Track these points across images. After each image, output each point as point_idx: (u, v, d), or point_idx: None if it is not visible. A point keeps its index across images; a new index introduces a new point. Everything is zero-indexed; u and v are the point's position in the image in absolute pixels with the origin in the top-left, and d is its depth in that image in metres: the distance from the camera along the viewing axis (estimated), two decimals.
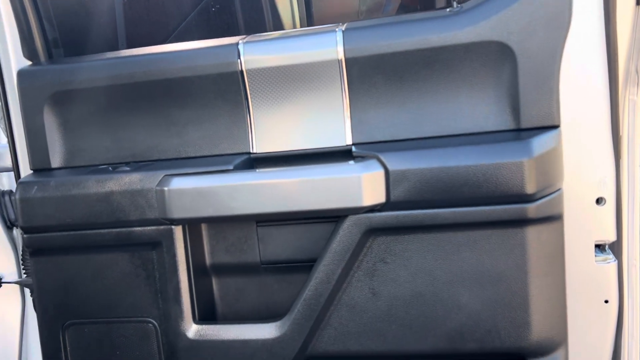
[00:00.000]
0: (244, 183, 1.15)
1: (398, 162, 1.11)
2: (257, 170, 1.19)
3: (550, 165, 1.10)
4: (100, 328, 1.29)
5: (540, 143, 1.08)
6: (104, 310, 1.28)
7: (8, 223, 1.55)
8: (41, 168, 1.33)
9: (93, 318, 1.29)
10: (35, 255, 1.29)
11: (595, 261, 1.19)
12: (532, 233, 1.12)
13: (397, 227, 1.14)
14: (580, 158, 1.16)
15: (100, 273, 1.26)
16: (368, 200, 1.11)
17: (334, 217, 1.17)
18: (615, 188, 1.16)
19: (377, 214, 1.13)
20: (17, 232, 1.58)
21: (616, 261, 1.19)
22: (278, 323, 1.20)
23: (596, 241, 1.19)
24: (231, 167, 1.18)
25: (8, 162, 1.52)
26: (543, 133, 1.11)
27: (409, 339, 1.19)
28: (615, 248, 1.21)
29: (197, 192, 1.16)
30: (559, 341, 1.17)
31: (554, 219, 1.13)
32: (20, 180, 1.30)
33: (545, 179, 1.10)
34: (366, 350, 1.20)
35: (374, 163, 1.12)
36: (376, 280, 1.18)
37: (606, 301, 1.20)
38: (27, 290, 1.56)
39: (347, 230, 1.14)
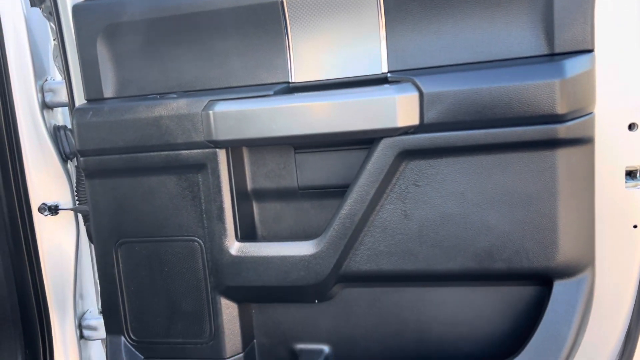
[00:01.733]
0: (283, 106, 1.21)
1: (432, 85, 1.15)
2: (296, 95, 1.25)
3: (582, 88, 1.12)
4: (150, 246, 1.39)
5: (573, 65, 1.10)
6: (154, 230, 1.37)
7: (63, 156, 1.66)
8: (95, 98, 1.42)
9: (143, 237, 1.39)
10: (91, 177, 1.39)
11: (626, 187, 1.21)
12: (562, 155, 1.15)
13: (429, 149, 1.18)
14: (613, 83, 1.17)
15: (150, 194, 1.36)
16: (402, 122, 1.16)
17: (368, 142, 1.22)
18: None
19: (411, 136, 1.18)
20: (71, 165, 1.69)
21: None
22: (315, 241, 1.28)
23: (627, 167, 1.21)
24: (271, 93, 1.24)
25: (63, 98, 1.63)
26: (576, 56, 1.13)
27: (438, 258, 1.24)
28: None
29: (239, 114, 1.23)
30: (585, 264, 1.21)
31: (585, 141, 1.15)
32: (76, 107, 1.39)
33: (576, 101, 1.12)
34: (397, 269, 1.27)
35: (408, 86, 1.17)
36: (408, 203, 1.24)
37: (635, 226, 1.22)
38: (80, 218, 1.68)
39: (381, 152, 1.20)
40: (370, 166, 1.21)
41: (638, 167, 1.21)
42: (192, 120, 1.27)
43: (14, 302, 1.67)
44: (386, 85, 1.19)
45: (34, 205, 1.65)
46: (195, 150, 1.29)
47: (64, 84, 1.56)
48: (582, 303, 1.21)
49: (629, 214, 1.23)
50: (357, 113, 1.18)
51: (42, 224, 1.66)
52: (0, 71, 1.59)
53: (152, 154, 1.32)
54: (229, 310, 1.38)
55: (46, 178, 1.65)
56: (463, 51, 1.20)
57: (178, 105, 1.28)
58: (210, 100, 1.26)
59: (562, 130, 1.12)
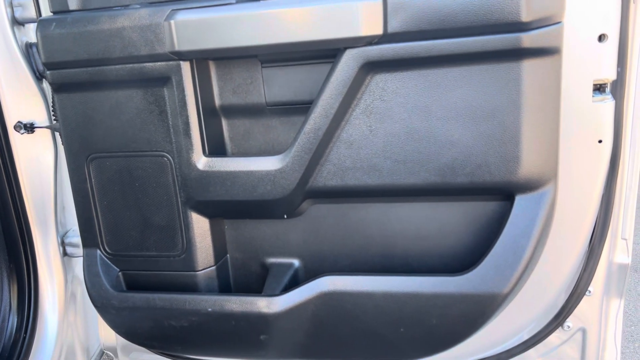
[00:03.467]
0: (245, 13, 1.18)
1: None
2: (259, 2, 1.21)
3: None
4: (120, 161, 1.40)
5: None
6: (123, 145, 1.38)
7: (37, 74, 1.64)
8: (60, 10, 1.39)
9: (113, 152, 1.39)
10: (58, 91, 1.39)
11: (593, 101, 1.20)
12: (527, 66, 1.12)
13: (393, 61, 1.16)
14: None
15: (117, 109, 1.35)
16: (365, 31, 1.14)
17: (333, 56, 1.20)
18: (619, 24, 1.14)
19: (375, 47, 1.16)
20: (46, 83, 1.68)
21: (613, 101, 1.19)
22: (280, 156, 1.28)
23: (595, 80, 1.19)
24: (234, 1, 1.21)
25: (33, 13, 1.59)
26: None
27: (402, 173, 1.25)
28: (615, 88, 1.20)
29: (202, 23, 1.21)
30: (548, 178, 1.21)
31: (551, 52, 1.13)
32: (40, 18, 1.36)
33: (542, 9, 1.08)
34: (362, 184, 1.28)
35: None
36: (373, 118, 1.23)
37: (600, 141, 1.22)
38: (57, 135, 1.68)
39: (345, 64, 1.18)
40: (335, 78, 1.19)
41: (606, 81, 1.19)
42: (155, 30, 1.24)
43: None
44: None
45: (9, 124, 1.65)
46: (159, 63, 1.27)
47: None
48: (543, 217, 1.22)
49: (595, 128, 1.22)
50: (320, 21, 1.15)
51: (19, 143, 1.67)
52: None
53: (116, 66, 1.30)
54: (200, 224, 1.41)
55: (20, 96, 1.64)
56: None
57: (140, 16, 1.25)
58: (172, 10, 1.23)
59: (526, 39, 1.09)
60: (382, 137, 1.24)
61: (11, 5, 1.61)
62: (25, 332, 1.70)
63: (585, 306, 1.41)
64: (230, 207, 1.36)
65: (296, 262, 1.47)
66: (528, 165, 1.19)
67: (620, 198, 1.32)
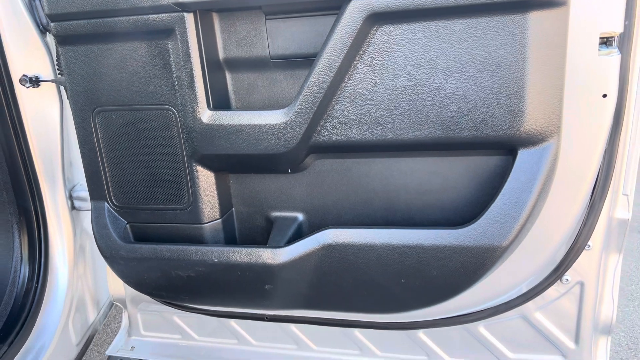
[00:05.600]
0: None
1: None
2: None
3: None
4: (126, 115, 1.41)
5: None
6: (128, 98, 1.38)
7: (41, 27, 1.64)
8: None
9: (119, 105, 1.40)
10: (63, 44, 1.38)
11: (599, 54, 1.19)
12: (533, 19, 1.11)
13: (398, 12, 1.15)
14: None
15: (122, 62, 1.35)
16: None
17: (338, 8, 1.19)
18: None
19: None
20: (50, 37, 1.67)
21: (620, 55, 1.18)
22: (284, 110, 1.29)
23: (602, 33, 1.17)
24: None
25: None
26: None
27: (406, 127, 1.25)
28: (622, 42, 1.19)
29: None
30: (551, 132, 1.22)
31: (558, 4, 1.11)
32: None
33: None
34: (366, 139, 1.28)
35: None
36: (378, 72, 1.23)
37: (604, 95, 1.21)
38: (63, 90, 1.69)
39: (350, 15, 1.17)
40: (339, 30, 1.18)
41: (613, 34, 1.17)
42: None
43: (4, 171, 1.73)
44: None
45: (15, 78, 1.65)
46: (162, 15, 1.26)
47: None
48: (545, 171, 1.23)
49: (600, 82, 1.21)
50: None
51: (25, 96, 1.67)
52: None
53: (120, 18, 1.30)
54: (205, 178, 1.43)
55: (25, 50, 1.64)
56: None
57: None
58: None
59: None
60: (386, 91, 1.24)
61: None
62: (37, 282, 1.75)
63: (584, 260, 1.44)
64: (235, 160, 1.37)
65: (300, 216, 1.49)
66: (531, 119, 1.19)
67: (623, 153, 1.33)
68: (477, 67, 1.17)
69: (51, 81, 1.64)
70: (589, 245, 1.41)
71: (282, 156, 1.33)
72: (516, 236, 1.24)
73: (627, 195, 1.40)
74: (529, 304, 1.51)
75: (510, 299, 1.50)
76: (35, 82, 1.65)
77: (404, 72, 1.21)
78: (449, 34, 1.16)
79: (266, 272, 1.37)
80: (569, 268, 1.43)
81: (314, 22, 1.28)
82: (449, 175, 1.34)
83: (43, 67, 1.65)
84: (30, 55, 1.63)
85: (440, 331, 1.64)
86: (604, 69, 1.20)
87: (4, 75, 1.65)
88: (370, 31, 1.19)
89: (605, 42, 1.19)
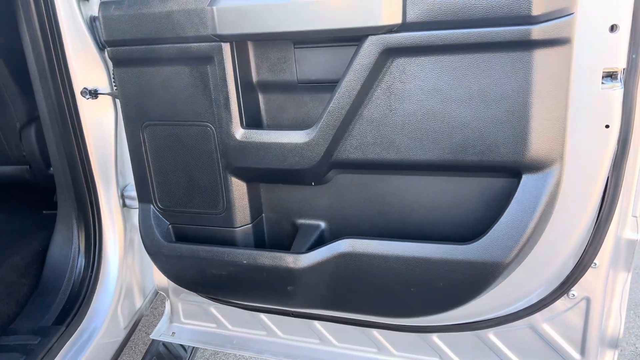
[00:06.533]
0: (279, 2, 1.30)
1: None
2: None
3: None
4: (170, 129, 1.58)
5: None
6: (173, 115, 1.56)
7: (100, 45, 1.84)
8: None
9: (164, 120, 1.58)
10: (118, 66, 1.57)
11: (602, 88, 1.26)
12: (537, 56, 1.20)
13: (411, 48, 1.26)
14: None
15: (168, 83, 1.53)
16: (385, 20, 1.24)
17: (358, 39, 1.31)
18: (631, 15, 1.19)
19: (394, 35, 1.26)
20: (107, 53, 1.87)
21: (623, 89, 1.25)
22: (307, 131, 1.42)
23: (605, 68, 1.24)
24: None
25: None
26: None
27: (418, 150, 1.37)
28: (628, 74, 1.25)
29: (240, 9, 1.34)
30: (553, 159, 1.30)
31: (561, 42, 1.20)
32: (102, 1, 1.54)
33: (552, 3, 1.15)
34: (382, 158, 1.41)
35: None
36: (393, 98, 1.34)
37: (607, 126, 1.28)
38: (117, 101, 1.89)
39: (367, 49, 1.29)
40: (357, 62, 1.31)
41: (616, 69, 1.24)
42: (200, 14, 1.39)
43: (66, 172, 1.96)
44: None
45: (77, 90, 1.87)
46: (203, 44, 1.42)
47: None
48: (547, 195, 1.32)
49: (603, 114, 1.28)
50: (345, 10, 1.26)
51: (85, 107, 1.88)
52: None
53: (166, 45, 1.47)
54: (238, 187, 1.59)
55: (86, 65, 1.84)
56: None
57: (187, 0, 1.40)
58: None
59: (536, 31, 1.16)
60: (400, 116, 1.35)
61: None
62: (92, 271, 1.97)
63: (590, 277, 1.51)
64: (264, 173, 1.52)
65: (322, 224, 1.63)
66: (535, 147, 1.28)
67: (632, 179, 1.39)
68: (483, 97, 1.27)
69: (107, 94, 1.85)
70: (595, 264, 1.49)
71: (306, 171, 1.47)
72: (517, 254, 1.34)
73: (635, 217, 1.46)
74: (537, 315, 1.60)
75: (517, 309, 1.59)
76: (93, 94, 1.85)
77: (417, 100, 1.32)
78: (458, 67, 1.26)
79: (288, 274, 1.52)
80: (575, 284, 1.51)
81: (337, 51, 1.41)
82: (458, 194, 1.44)
83: (101, 81, 1.86)
84: (90, 70, 1.84)
85: (453, 335, 1.74)
86: (606, 102, 1.27)
87: (68, 87, 1.86)
88: (386, 62, 1.31)
89: (610, 75, 1.26)
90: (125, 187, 2.04)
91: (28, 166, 2.27)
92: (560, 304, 1.57)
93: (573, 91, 1.26)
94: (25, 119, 2.12)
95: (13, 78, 2.03)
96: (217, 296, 1.86)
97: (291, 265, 1.51)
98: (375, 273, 1.46)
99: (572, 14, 1.18)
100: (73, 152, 1.93)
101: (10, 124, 2.13)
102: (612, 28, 1.21)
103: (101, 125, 1.92)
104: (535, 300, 1.57)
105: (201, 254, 1.62)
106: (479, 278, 1.38)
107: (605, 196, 1.39)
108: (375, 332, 1.85)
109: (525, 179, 1.32)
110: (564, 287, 1.52)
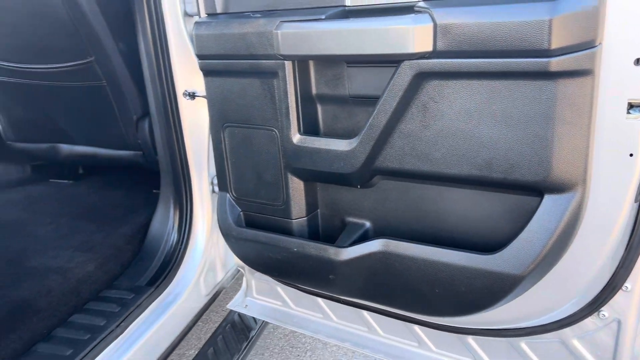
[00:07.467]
0: (331, 29, 1.50)
1: (444, 17, 1.34)
2: (338, 20, 1.52)
3: (580, 24, 1.21)
4: (244, 131, 1.86)
5: (569, 4, 1.20)
6: (246, 119, 1.83)
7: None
8: (211, 13, 1.85)
9: (240, 124, 1.86)
10: (206, 75, 1.87)
11: (626, 117, 1.30)
12: (557, 85, 1.28)
13: (441, 73, 1.40)
14: (622, 16, 1.23)
15: (243, 92, 1.80)
16: (417, 48, 1.39)
17: (396, 62, 1.47)
18: None
19: (426, 60, 1.40)
20: None
21: None
22: (350, 140, 1.61)
23: (630, 99, 1.28)
24: (323, 17, 1.53)
25: (196, 9, 2.10)
26: None
27: (449, 164, 1.50)
28: None
29: (299, 34, 1.56)
30: (575, 183, 1.36)
31: (583, 74, 1.26)
32: (196, 21, 1.84)
33: (574, 35, 1.22)
34: (417, 169, 1.55)
35: (426, 17, 1.37)
36: (427, 116, 1.49)
37: (631, 154, 1.32)
38: None
39: (402, 73, 1.44)
40: (394, 83, 1.47)
41: None
42: (268, 37, 1.64)
43: (168, 159, 2.33)
44: (410, 15, 1.40)
45: (179, 91, 2.22)
46: (270, 61, 1.67)
47: None
48: (567, 216, 1.38)
49: (627, 142, 1.32)
50: (385, 38, 1.43)
51: (185, 106, 2.24)
52: None
53: (242, 61, 1.73)
54: (295, 184, 1.82)
55: (187, 71, 2.19)
56: None
57: (259, 24, 1.65)
58: (281, 21, 1.60)
59: (554, 63, 1.24)
60: (433, 132, 1.49)
61: (184, 2, 2.13)
62: (181, 245, 2.33)
63: (622, 300, 1.53)
64: (316, 174, 1.74)
65: (367, 223, 1.82)
66: (556, 170, 1.35)
67: None
68: (508, 120, 1.37)
69: (203, 97, 2.18)
70: (627, 287, 1.51)
71: (350, 175, 1.66)
72: (534, 269, 1.42)
73: None
74: (567, 331, 1.65)
75: (546, 322, 1.65)
76: (192, 96, 2.20)
77: (448, 118, 1.45)
78: (484, 91, 1.37)
79: (330, 265, 1.73)
80: (604, 304, 1.54)
81: (382, 71, 1.58)
82: (486, 206, 1.55)
83: (198, 85, 2.19)
84: (190, 76, 2.18)
85: (488, 340, 1.84)
86: (631, 131, 1.31)
87: (172, 90, 2.22)
88: (420, 83, 1.45)
89: (633, 106, 1.30)
90: (214, 177, 2.38)
91: (141, 152, 2.70)
92: (591, 322, 1.61)
93: (597, 119, 1.32)
94: (140, 112, 2.54)
95: (132, 78, 2.44)
96: (274, 277, 2.12)
97: (332, 257, 1.72)
98: (404, 272, 1.62)
99: (595, 47, 1.24)
100: (173, 144, 2.30)
101: (129, 116, 2.57)
102: (638, 61, 1.25)
103: (197, 122, 2.27)
104: (563, 316, 1.62)
105: (261, 239, 1.88)
106: (497, 287, 1.48)
107: (637, 222, 1.41)
108: (416, 328, 1.99)
109: (547, 199, 1.40)
110: (593, 306, 1.56)
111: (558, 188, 1.38)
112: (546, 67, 1.25)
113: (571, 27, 1.22)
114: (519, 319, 1.71)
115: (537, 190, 1.41)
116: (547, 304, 1.63)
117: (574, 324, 1.62)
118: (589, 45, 1.24)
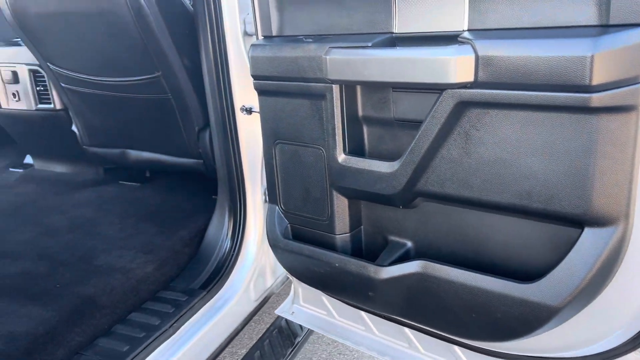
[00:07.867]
0: (377, 57, 1.55)
1: (486, 49, 1.36)
2: (383, 48, 1.57)
3: (624, 59, 1.20)
4: (294, 148, 1.95)
5: (612, 40, 1.19)
6: (296, 137, 1.92)
7: None
8: (267, 35, 1.96)
9: (290, 141, 1.95)
10: (260, 94, 1.98)
11: None
12: (599, 120, 1.27)
13: (482, 102, 1.42)
14: None
15: (293, 112, 1.89)
16: (459, 78, 1.41)
17: (439, 90, 1.50)
18: None
19: (467, 90, 1.43)
20: None
21: None
22: (392, 163, 1.66)
23: None
24: (369, 44, 1.59)
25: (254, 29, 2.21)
26: (625, 30, 1.20)
27: (489, 191, 1.51)
28: None
29: (346, 61, 1.63)
30: (616, 217, 1.35)
31: (627, 109, 1.25)
32: (252, 43, 1.95)
33: (615, 72, 1.21)
34: (458, 194, 1.58)
35: (468, 48, 1.39)
36: (469, 142, 1.51)
37: None
38: None
39: (444, 101, 1.48)
40: (436, 110, 1.50)
41: None
42: (318, 61, 1.71)
43: (224, 169, 2.46)
44: (454, 45, 1.43)
45: (237, 106, 2.35)
46: (319, 84, 1.74)
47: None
48: (608, 250, 1.37)
49: None
50: (429, 67, 1.47)
51: (241, 120, 2.36)
52: (216, 7, 2.23)
53: (293, 83, 1.82)
54: (340, 201, 1.89)
55: (245, 88, 2.31)
56: (532, 16, 1.35)
57: (309, 49, 1.73)
58: (330, 47, 1.68)
59: (595, 99, 1.24)
60: (474, 159, 1.51)
61: (244, 23, 2.25)
62: (234, 251, 2.46)
63: None
64: (359, 193, 1.80)
65: (409, 243, 1.85)
66: (597, 204, 1.34)
67: None
68: (548, 151, 1.37)
69: (258, 112, 2.28)
70: None
71: (391, 197, 1.71)
72: (571, 301, 1.41)
73: None
74: None
75: (586, 354, 1.63)
76: (248, 111, 2.31)
77: (489, 147, 1.47)
78: (525, 122, 1.38)
79: (369, 282, 1.78)
80: None
81: (427, 96, 1.61)
82: (528, 235, 1.55)
83: (255, 101, 2.30)
84: (248, 92, 2.30)
85: None
86: None
87: (230, 104, 2.35)
88: (462, 111, 1.48)
89: None
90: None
91: (202, 160, 2.86)
92: (634, 358, 1.57)
93: None
94: (202, 124, 2.70)
95: (195, 92, 2.60)
96: (317, 288, 2.19)
97: (372, 274, 1.77)
98: (442, 295, 1.64)
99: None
100: (230, 155, 2.43)
101: (191, 127, 2.73)
102: None
103: (253, 136, 2.39)
104: (605, 349, 1.59)
105: (305, 252, 1.96)
106: (533, 317, 1.48)
107: None
108: (456, 349, 2.00)
109: (587, 231, 1.39)
110: (637, 341, 1.53)
111: (599, 222, 1.36)
112: (587, 102, 1.25)
113: (614, 64, 1.21)
114: (559, 349, 1.69)
115: (576, 222, 1.40)
116: (589, 336, 1.60)
117: (616, 357, 1.58)
118: (633, 81, 1.23)
